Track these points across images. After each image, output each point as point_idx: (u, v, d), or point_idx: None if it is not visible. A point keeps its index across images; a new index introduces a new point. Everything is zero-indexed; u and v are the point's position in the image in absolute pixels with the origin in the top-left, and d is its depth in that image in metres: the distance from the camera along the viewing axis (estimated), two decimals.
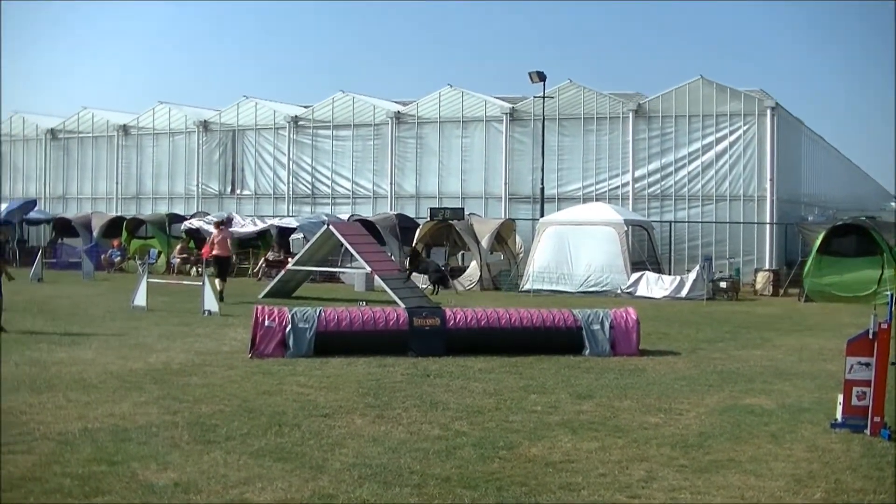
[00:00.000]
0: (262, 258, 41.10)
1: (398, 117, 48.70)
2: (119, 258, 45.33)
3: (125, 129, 57.05)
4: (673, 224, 42.58)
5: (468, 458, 10.61)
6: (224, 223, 34.29)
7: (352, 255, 31.80)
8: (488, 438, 11.58)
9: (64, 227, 51.37)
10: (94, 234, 48.36)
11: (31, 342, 19.92)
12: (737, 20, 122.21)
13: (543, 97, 43.47)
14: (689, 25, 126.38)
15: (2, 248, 25.31)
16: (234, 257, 33.90)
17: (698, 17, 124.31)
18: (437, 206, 43.48)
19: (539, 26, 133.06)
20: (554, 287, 35.89)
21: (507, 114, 46.34)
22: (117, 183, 57.00)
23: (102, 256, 45.07)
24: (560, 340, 19.06)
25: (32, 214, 51.73)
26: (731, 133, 42.84)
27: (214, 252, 31.80)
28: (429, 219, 40.19)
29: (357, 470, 10.04)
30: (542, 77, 42.64)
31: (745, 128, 42.65)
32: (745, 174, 42.73)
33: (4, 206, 50.42)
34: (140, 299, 27.00)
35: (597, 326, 19.18)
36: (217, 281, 30.51)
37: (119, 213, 52.47)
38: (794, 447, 11.37)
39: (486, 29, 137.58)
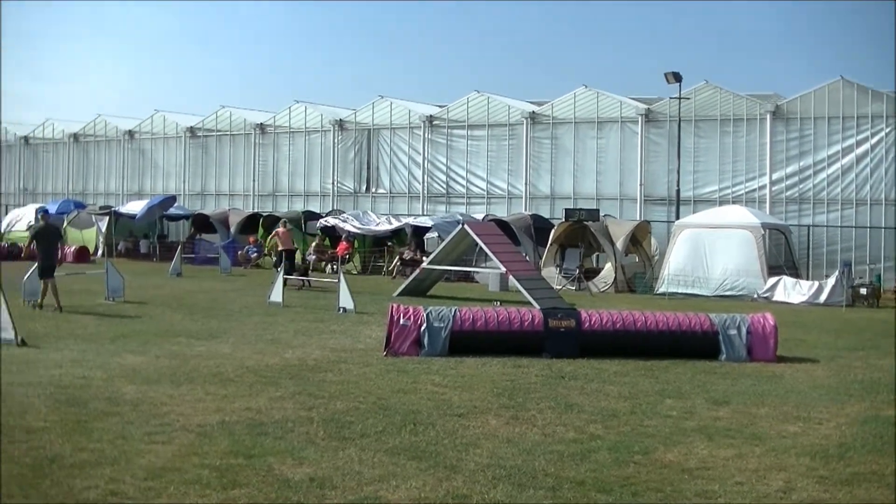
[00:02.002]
0: (397, 256, 41.24)
1: (533, 118, 48.58)
2: (255, 254, 45.81)
3: (262, 128, 57.74)
4: (811, 228, 41.78)
5: (603, 462, 10.55)
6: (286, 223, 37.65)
7: (486, 254, 31.80)
8: (623, 443, 11.50)
9: (202, 224, 52.10)
10: (232, 230, 48.94)
11: (171, 335, 20.30)
12: (878, 18, 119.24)
13: (679, 98, 43.00)
14: (828, 24, 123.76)
15: (55, 235, 26.50)
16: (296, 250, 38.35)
17: (838, 16, 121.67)
18: (572, 206, 43.23)
19: (675, 26, 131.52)
20: (689, 290, 35.46)
21: (642, 115, 45.93)
22: (254, 180, 57.74)
23: (239, 252, 45.63)
24: (696, 344, 18.83)
25: (172, 210, 52.60)
26: (873, 135, 41.84)
27: (282, 247, 35.18)
28: (564, 219, 39.98)
29: (491, 471, 10.04)
30: (677, 78, 42.17)
31: (887, 130, 41.65)
32: (887, 178, 41.73)
33: (146, 202, 51.40)
34: (276, 295, 27.31)
35: (733, 331, 18.89)
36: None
37: (256, 210, 53.11)
38: None
39: (621, 29, 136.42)
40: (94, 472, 9.67)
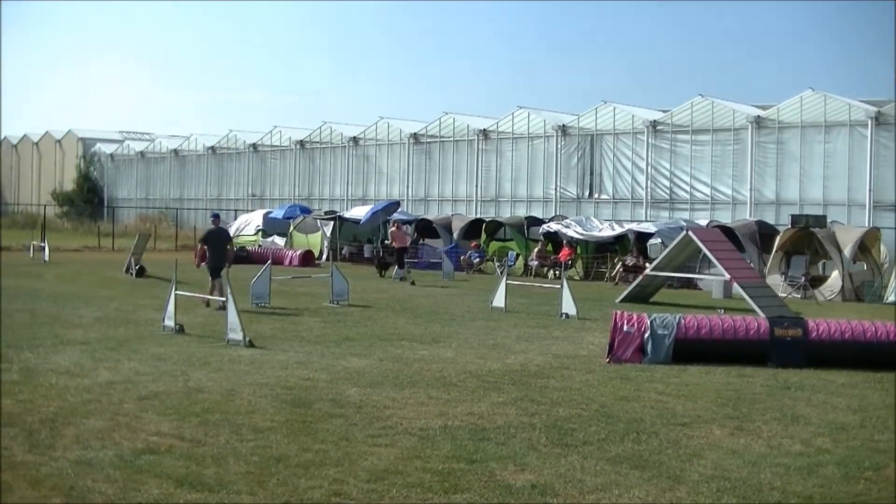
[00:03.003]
0: (620, 263, 40.97)
1: (758, 122, 47.67)
2: (478, 259, 46.03)
3: (485, 134, 58.03)
4: None
5: (831, 477, 10.24)
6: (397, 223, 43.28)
7: (710, 261, 31.33)
8: (853, 457, 11.13)
9: (425, 229, 52.62)
10: (455, 235, 49.27)
11: (394, 339, 20.55)
12: None
13: None
14: None
15: (224, 237, 28.07)
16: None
17: None
18: (798, 212, 42.24)
19: None
20: None
21: (872, 118, 44.50)
22: (477, 186, 58.08)
23: (462, 258, 45.88)
24: None
25: (396, 216, 53.17)
26: None
27: (397, 245, 40.31)
28: (789, 226, 39.14)
29: (715, 482, 9.87)
30: None
31: None
32: None
33: (370, 207, 52.17)
34: (499, 300, 27.38)
35: None
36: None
37: (478, 216, 53.45)
38: None
39: (849, 29, 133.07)
40: (319, 472, 9.86)
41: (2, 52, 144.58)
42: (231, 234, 29.49)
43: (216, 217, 29.00)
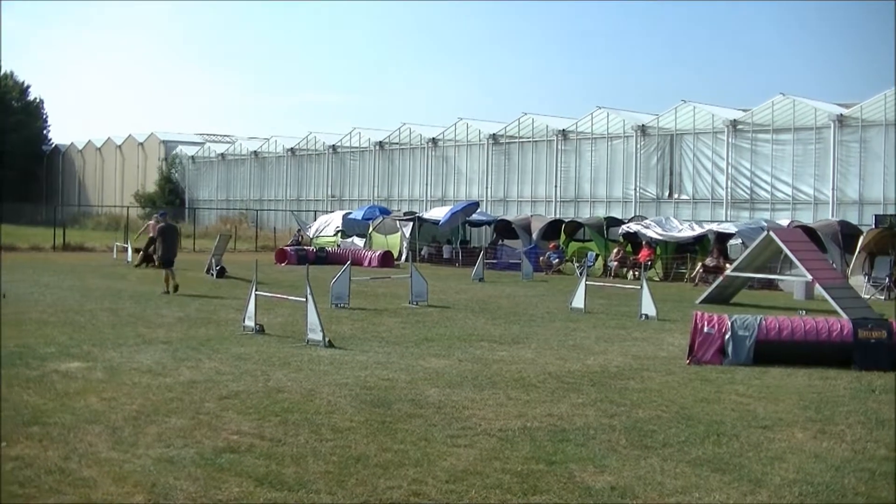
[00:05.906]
0: (700, 263, 40.65)
1: (841, 120, 47.06)
2: (557, 260, 45.89)
3: (564, 134, 57.88)
4: None
5: None
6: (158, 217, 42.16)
7: (791, 262, 30.99)
8: None
9: (504, 229, 52.55)
10: (534, 236, 49.15)
11: (474, 339, 20.54)
12: None
13: None
14: None
15: (174, 233, 32.32)
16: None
17: None
18: (881, 212, 41.65)
19: None
20: None
21: None
22: (556, 186, 57.90)
23: (541, 258, 45.77)
24: None
25: (475, 216, 53.22)
26: None
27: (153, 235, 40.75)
28: (873, 226, 38.62)
29: (798, 486, 9.74)
30: None
31: None
32: None
33: (449, 208, 52.19)
34: (578, 301, 27.28)
35: None
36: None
37: (557, 216, 53.30)
38: None
39: None
40: (398, 472, 9.87)
41: None
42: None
43: (163, 214, 31.77)
